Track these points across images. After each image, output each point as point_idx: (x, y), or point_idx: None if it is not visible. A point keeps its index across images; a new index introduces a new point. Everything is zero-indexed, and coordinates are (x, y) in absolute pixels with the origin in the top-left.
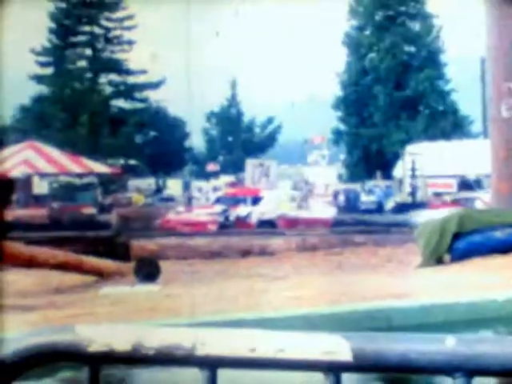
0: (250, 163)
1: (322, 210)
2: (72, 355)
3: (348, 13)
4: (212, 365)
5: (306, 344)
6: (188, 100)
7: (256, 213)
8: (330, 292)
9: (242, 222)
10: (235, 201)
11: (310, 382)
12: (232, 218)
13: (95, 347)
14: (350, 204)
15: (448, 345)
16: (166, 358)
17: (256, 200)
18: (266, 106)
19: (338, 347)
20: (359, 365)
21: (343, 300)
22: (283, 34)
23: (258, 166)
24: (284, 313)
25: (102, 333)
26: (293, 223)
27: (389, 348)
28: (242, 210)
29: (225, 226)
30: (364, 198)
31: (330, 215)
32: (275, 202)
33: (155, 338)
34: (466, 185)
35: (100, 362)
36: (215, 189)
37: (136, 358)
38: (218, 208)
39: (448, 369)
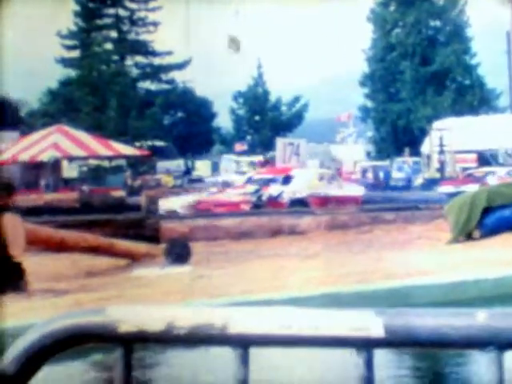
0: (281, 142)
1: (352, 187)
2: (103, 336)
3: None
4: (244, 343)
5: (338, 321)
6: (214, 80)
7: (287, 192)
8: (360, 270)
9: (274, 201)
10: (265, 180)
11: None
12: (264, 197)
13: (127, 328)
14: (380, 181)
15: (479, 319)
16: (199, 338)
17: (286, 179)
18: (292, 84)
19: (370, 323)
20: (391, 340)
21: (374, 278)
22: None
23: (288, 145)
24: (314, 291)
25: (133, 313)
26: (324, 201)
27: (420, 323)
28: (273, 190)
29: (257, 206)
30: (393, 174)
31: (360, 193)
32: (306, 180)
33: (187, 317)
34: (483, 159)
35: (132, 342)
36: (252, 164)
37: (168, 338)
38: (250, 188)
39: (479, 343)
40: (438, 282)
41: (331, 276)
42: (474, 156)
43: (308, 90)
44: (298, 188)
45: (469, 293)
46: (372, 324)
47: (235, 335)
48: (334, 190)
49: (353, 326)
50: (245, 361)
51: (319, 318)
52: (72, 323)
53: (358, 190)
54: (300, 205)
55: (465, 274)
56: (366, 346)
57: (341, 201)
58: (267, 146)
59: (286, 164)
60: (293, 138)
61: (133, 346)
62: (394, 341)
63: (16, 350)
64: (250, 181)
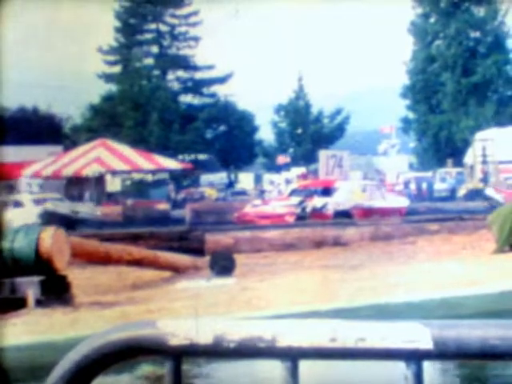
0: (324, 154)
1: (396, 198)
2: (154, 349)
3: (413, 0)
4: (293, 356)
5: (386, 332)
6: (256, 93)
7: (331, 204)
8: (405, 281)
9: (318, 213)
10: (309, 192)
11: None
12: (308, 209)
13: (177, 341)
14: (423, 192)
15: None
16: (248, 351)
17: (328, 191)
18: (333, 96)
19: (419, 335)
20: (440, 352)
21: (419, 289)
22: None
23: (331, 157)
24: (361, 302)
25: (183, 326)
26: (368, 213)
27: (469, 335)
28: (317, 202)
29: (301, 218)
30: (437, 185)
31: (403, 204)
32: (349, 192)
33: (236, 330)
34: None
35: (182, 355)
36: (287, 181)
37: (218, 351)
38: (294, 200)
39: None
40: (485, 293)
41: (377, 287)
42: None
43: (349, 102)
44: (342, 200)
45: None
46: (421, 336)
47: (284, 348)
48: (378, 202)
49: (401, 337)
50: (294, 373)
51: (367, 330)
52: (123, 337)
53: (401, 202)
54: (344, 216)
55: (511, 284)
56: (414, 358)
57: (385, 212)
58: (309, 158)
59: (329, 176)
60: (336, 150)
61: (182, 359)
62: (443, 352)
63: (68, 362)
64: (293, 193)
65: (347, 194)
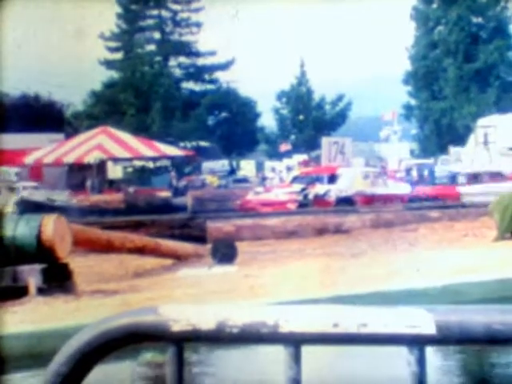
0: (326, 141)
1: (398, 185)
2: (156, 335)
3: None
4: (296, 341)
5: (389, 318)
6: (258, 80)
7: (334, 191)
8: (406, 268)
9: (320, 200)
10: (311, 179)
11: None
12: (310, 196)
13: (179, 326)
14: (425, 179)
15: None
16: (251, 336)
17: (332, 178)
18: (335, 82)
19: (422, 320)
20: (443, 338)
21: (421, 275)
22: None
23: (334, 144)
24: (361, 290)
25: (185, 312)
26: (370, 200)
27: (472, 320)
28: (320, 189)
29: (304, 205)
30: (438, 172)
31: (406, 191)
32: (352, 179)
33: (239, 316)
34: None
35: (184, 341)
36: (288, 168)
37: (220, 337)
38: (297, 187)
39: None
40: (486, 279)
41: (379, 275)
42: None
43: (351, 89)
44: (344, 186)
45: None
46: (423, 321)
47: (287, 333)
48: (380, 189)
49: (404, 323)
50: (297, 359)
51: (369, 315)
52: (125, 323)
53: (403, 188)
54: (346, 203)
55: None
56: (417, 343)
57: (387, 199)
58: (311, 145)
59: (332, 163)
60: (338, 137)
61: (184, 345)
62: (446, 338)
63: (71, 348)
64: (295, 180)
65: (349, 180)
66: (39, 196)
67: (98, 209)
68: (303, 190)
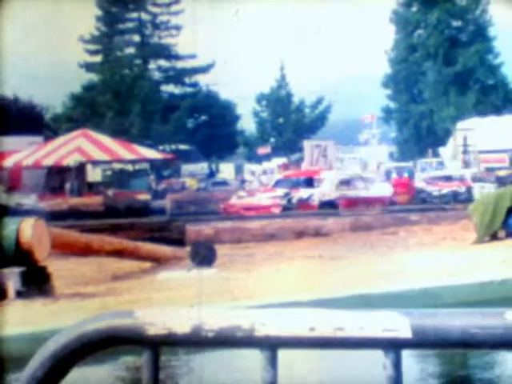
0: (308, 144)
1: (380, 187)
2: (132, 339)
3: None
4: (272, 345)
5: (365, 322)
6: (238, 83)
7: (317, 194)
8: (385, 271)
9: (304, 203)
10: (293, 183)
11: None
12: (294, 200)
13: (155, 330)
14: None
15: (508, 319)
16: (226, 340)
17: (312, 181)
18: (314, 85)
19: (397, 324)
20: (419, 341)
21: (399, 279)
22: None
23: (316, 147)
24: (341, 293)
25: (161, 316)
26: (353, 203)
27: (448, 324)
28: (303, 192)
29: (288, 209)
30: (417, 175)
31: (387, 193)
32: (334, 182)
33: (215, 319)
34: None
35: (160, 344)
36: (268, 171)
37: (196, 341)
38: (280, 191)
39: (509, 343)
40: (465, 283)
41: (358, 277)
42: (504, 156)
43: (331, 91)
44: (327, 190)
45: (496, 293)
46: (399, 325)
47: (262, 337)
48: (363, 191)
49: (380, 326)
50: (272, 363)
51: (345, 319)
52: (101, 326)
53: (385, 190)
54: (329, 206)
55: (491, 274)
56: (393, 347)
57: (369, 202)
58: (291, 148)
59: (314, 166)
60: (320, 140)
61: (160, 349)
62: (422, 341)
63: (46, 352)
64: (278, 183)
65: (332, 184)
66: (6, 200)
67: (77, 212)
68: (287, 194)
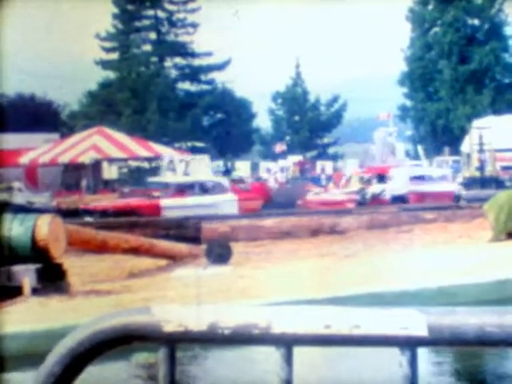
0: (379, 140)
1: (445, 184)
2: (149, 336)
3: None
4: (288, 342)
5: (381, 319)
6: (254, 80)
7: (389, 190)
8: (400, 269)
9: (376, 198)
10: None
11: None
12: (368, 195)
13: (171, 327)
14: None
15: None
16: (242, 337)
17: (382, 178)
18: (330, 83)
19: (414, 322)
20: (435, 339)
21: (415, 277)
22: (347, 10)
23: (385, 147)
24: (356, 291)
25: (177, 313)
26: (422, 197)
27: (465, 322)
28: (376, 188)
29: (361, 204)
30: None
31: (452, 188)
32: (405, 178)
33: (231, 317)
34: None
35: (176, 341)
36: (283, 169)
37: (212, 338)
38: (354, 187)
39: None
40: (481, 281)
41: (373, 276)
42: None
43: (346, 89)
44: (399, 185)
45: None
46: (416, 323)
47: (278, 335)
48: (430, 187)
49: (396, 324)
50: (288, 360)
51: (361, 316)
52: (117, 323)
53: (450, 186)
54: (400, 201)
55: (507, 272)
56: (409, 344)
57: (436, 196)
58: (306, 146)
59: (384, 163)
60: (389, 140)
61: (176, 346)
62: (438, 339)
63: (63, 349)
64: (352, 180)
65: (403, 180)
66: (20, 198)
67: (94, 209)
68: (361, 189)
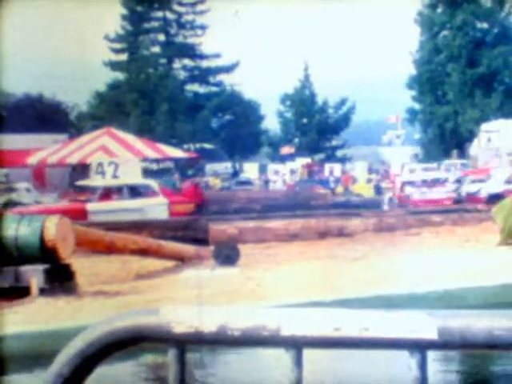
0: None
1: None
2: (159, 337)
3: None
4: (297, 345)
5: (391, 322)
6: (262, 83)
7: (485, 188)
8: (408, 272)
9: (472, 197)
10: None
11: None
12: (463, 194)
13: (182, 329)
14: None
15: None
16: (252, 339)
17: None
18: (339, 86)
19: (423, 325)
20: (444, 342)
21: (422, 280)
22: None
23: (488, 150)
24: (364, 294)
25: (187, 314)
26: None
27: (473, 325)
28: (472, 187)
29: (458, 201)
30: None
31: None
32: (503, 178)
33: (241, 319)
34: None
35: (186, 343)
36: (292, 171)
37: (222, 340)
38: (452, 186)
39: None
40: (489, 284)
41: (381, 278)
42: None
43: (355, 92)
44: (496, 184)
45: None
46: (425, 326)
47: (288, 337)
48: None
49: (405, 327)
50: (298, 362)
51: (370, 319)
52: (127, 324)
53: None
54: (497, 199)
55: None
56: (418, 347)
57: None
58: (314, 148)
59: (487, 165)
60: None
61: (186, 347)
62: (448, 343)
63: (72, 350)
64: (458, 180)
65: (501, 179)
66: (28, 198)
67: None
68: (457, 188)
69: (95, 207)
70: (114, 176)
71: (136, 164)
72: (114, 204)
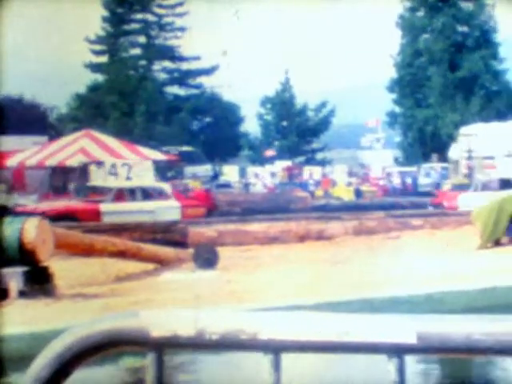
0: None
1: None
2: (136, 340)
3: None
4: (276, 349)
5: (370, 326)
6: (242, 85)
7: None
8: (388, 276)
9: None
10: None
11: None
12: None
13: (159, 332)
14: (407, 187)
15: None
16: (230, 343)
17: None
18: (319, 89)
19: (402, 329)
20: (424, 347)
21: (402, 284)
22: (336, 16)
23: (508, 156)
24: (344, 297)
25: (165, 318)
26: None
27: (453, 329)
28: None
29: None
30: (421, 180)
31: None
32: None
33: (219, 322)
34: None
35: (164, 346)
36: (272, 174)
37: (200, 343)
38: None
39: None
40: (469, 288)
41: (361, 282)
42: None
43: (335, 95)
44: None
45: (499, 299)
46: (404, 330)
47: (266, 341)
48: None
49: (384, 331)
50: (276, 366)
51: (350, 323)
52: (105, 327)
53: None
54: None
55: (494, 280)
56: (397, 352)
57: None
58: (294, 151)
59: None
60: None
61: (164, 351)
62: (427, 347)
63: (50, 353)
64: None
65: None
66: (5, 200)
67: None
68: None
69: (109, 208)
70: (128, 178)
71: (149, 166)
72: (127, 205)
